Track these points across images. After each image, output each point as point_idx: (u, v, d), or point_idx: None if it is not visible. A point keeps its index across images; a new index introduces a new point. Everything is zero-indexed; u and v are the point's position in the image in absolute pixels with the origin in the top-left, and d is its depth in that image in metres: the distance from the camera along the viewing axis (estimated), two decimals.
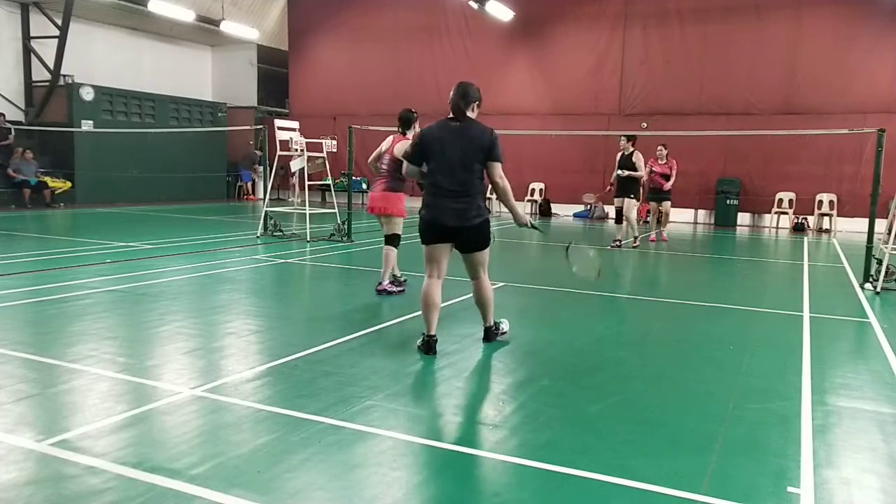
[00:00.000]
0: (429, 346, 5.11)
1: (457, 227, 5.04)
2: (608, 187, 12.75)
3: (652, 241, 12.47)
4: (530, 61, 19.97)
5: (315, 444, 3.46)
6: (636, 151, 11.94)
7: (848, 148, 16.51)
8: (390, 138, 7.40)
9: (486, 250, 5.23)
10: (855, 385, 4.70)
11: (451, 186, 4.98)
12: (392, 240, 7.47)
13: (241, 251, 10.50)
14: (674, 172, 13.13)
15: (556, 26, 19.57)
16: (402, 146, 7.11)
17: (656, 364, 5.14)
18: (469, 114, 5.02)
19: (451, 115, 5.04)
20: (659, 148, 13.06)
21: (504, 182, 5.06)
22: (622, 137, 12.11)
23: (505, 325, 5.62)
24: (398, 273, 7.69)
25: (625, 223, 12.36)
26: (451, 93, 5.02)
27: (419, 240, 5.24)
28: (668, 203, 13.38)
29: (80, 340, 5.32)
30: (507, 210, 5.31)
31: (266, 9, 23.11)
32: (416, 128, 7.30)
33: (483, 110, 5.23)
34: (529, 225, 5.33)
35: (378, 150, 7.49)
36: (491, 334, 5.49)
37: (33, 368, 4.60)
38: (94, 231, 13.19)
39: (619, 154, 12.16)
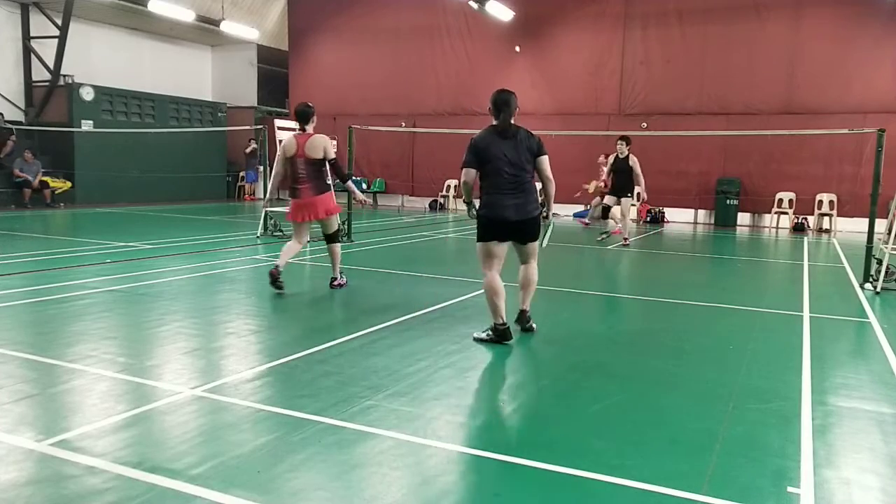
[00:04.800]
0: (505, 334, 5.34)
1: (519, 220, 5.34)
2: (602, 181, 12.92)
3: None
4: (530, 61, 19.96)
5: (315, 444, 3.46)
6: (632, 155, 12.18)
7: (848, 148, 16.50)
8: (288, 138, 7.17)
9: (538, 241, 5.64)
10: (855, 385, 4.70)
11: (509, 184, 5.28)
12: (334, 237, 7.51)
13: (241, 251, 10.50)
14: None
15: (557, 26, 19.57)
16: (315, 143, 6.97)
17: (656, 364, 5.14)
18: (512, 120, 5.39)
19: (495, 124, 5.35)
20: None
21: (552, 178, 5.53)
22: (619, 141, 12.27)
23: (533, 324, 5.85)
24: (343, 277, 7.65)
25: (618, 220, 12.66)
26: (495, 102, 5.34)
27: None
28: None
29: (80, 340, 5.32)
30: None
31: (266, 9, 23.11)
32: (314, 121, 7.21)
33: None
34: (550, 225, 5.81)
35: (279, 154, 7.27)
36: (525, 318, 5.74)
37: (33, 368, 4.60)
38: (94, 231, 13.19)
39: (614, 156, 12.33)
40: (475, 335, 5.50)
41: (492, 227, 5.38)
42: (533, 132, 5.50)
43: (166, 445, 3.43)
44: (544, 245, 6.03)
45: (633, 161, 12.15)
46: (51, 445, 3.36)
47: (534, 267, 5.68)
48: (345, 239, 11.68)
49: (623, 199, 12.34)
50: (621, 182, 12.27)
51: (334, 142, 12.65)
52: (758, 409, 4.15)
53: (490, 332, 5.41)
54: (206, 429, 3.67)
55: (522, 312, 5.77)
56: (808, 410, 4.12)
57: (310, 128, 7.14)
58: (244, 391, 4.26)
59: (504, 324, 5.36)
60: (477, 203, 5.54)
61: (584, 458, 3.39)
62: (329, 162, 7.13)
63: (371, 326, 5.84)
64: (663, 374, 4.90)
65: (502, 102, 5.35)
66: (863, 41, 16.50)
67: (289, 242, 7.53)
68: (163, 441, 3.50)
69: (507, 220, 5.31)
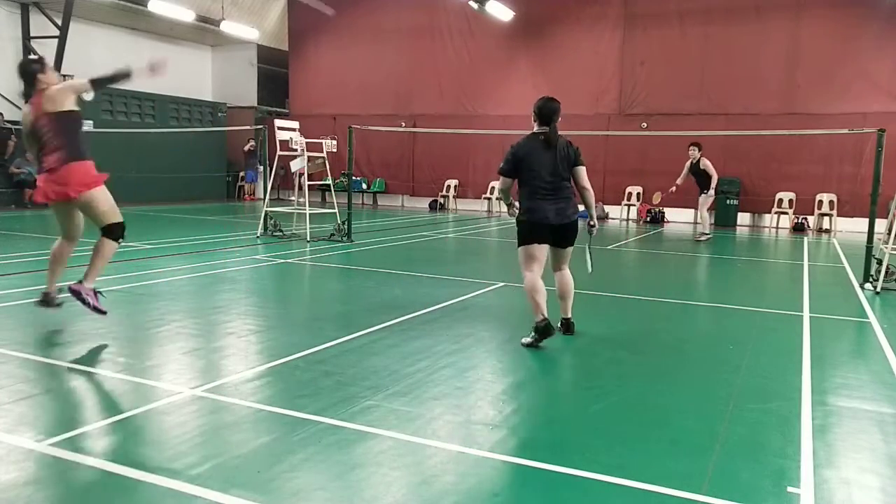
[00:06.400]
0: (547, 329, 5.34)
1: (559, 224, 5.45)
2: (673, 188, 13.86)
3: None
4: (531, 62, 19.96)
5: (315, 444, 3.46)
6: (703, 158, 13.27)
7: (848, 148, 16.51)
8: (24, 110, 5.45)
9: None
10: (855, 385, 4.70)
11: (547, 191, 5.42)
12: (112, 230, 5.45)
13: (241, 251, 10.50)
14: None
15: (558, 27, 19.57)
16: (54, 93, 5.28)
17: (656, 364, 5.14)
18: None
19: (537, 132, 5.51)
20: None
21: (590, 187, 5.63)
22: (690, 147, 13.40)
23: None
24: (54, 290, 5.65)
25: (700, 216, 13.91)
26: (541, 110, 5.53)
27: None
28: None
29: (80, 340, 5.32)
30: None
31: (266, 9, 23.11)
32: (47, 77, 5.42)
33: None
34: (595, 231, 5.84)
35: (24, 132, 5.51)
36: (572, 326, 5.78)
37: (33, 368, 4.60)
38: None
39: (689, 162, 13.44)
40: (523, 341, 5.45)
41: (534, 231, 5.49)
42: (528, 132, 5.58)
43: (166, 445, 3.43)
44: (591, 271, 6.08)
45: (706, 164, 13.28)
46: (51, 445, 3.36)
47: (568, 273, 5.77)
48: (344, 239, 11.69)
49: (700, 197, 13.65)
50: (699, 183, 13.56)
51: (334, 141, 12.77)
52: (758, 409, 4.15)
53: (533, 333, 5.39)
54: (206, 429, 3.67)
55: (567, 321, 5.80)
56: (808, 410, 4.12)
57: (40, 86, 5.37)
58: (244, 391, 4.26)
59: (545, 319, 5.34)
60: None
61: (585, 458, 3.38)
62: (91, 83, 5.38)
63: (371, 326, 5.84)
64: (664, 374, 4.90)
65: (551, 111, 5.51)
66: (863, 41, 16.50)
67: (54, 246, 5.59)
68: (163, 441, 3.50)
69: (549, 223, 5.42)
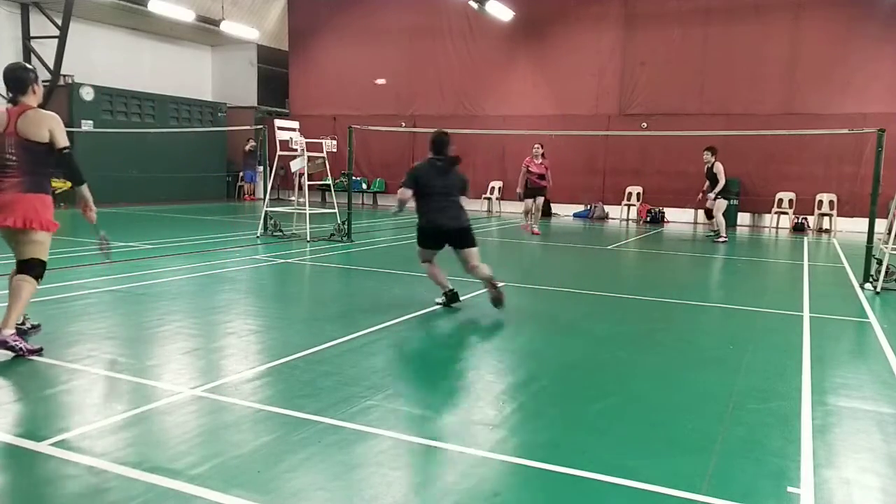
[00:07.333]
0: (453, 297, 6.68)
1: (453, 227, 6.51)
2: (700, 195, 14.34)
3: (536, 233, 13.65)
4: (531, 62, 19.97)
5: (315, 444, 3.46)
6: (717, 163, 13.43)
7: (848, 148, 16.52)
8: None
9: (476, 248, 6.62)
10: (855, 385, 4.70)
11: (441, 204, 6.52)
12: (32, 267, 4.90)
13: (241, 251, 10.50)
14: (548, 172, 14.17)
15: (558, 27, 19.57)
16: (35, 119, 4.87)
17: (656, 364, 5.14)
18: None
19: (436, 156, 6.65)
20: (535, 146, 14.16)
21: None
22: (705, 151, 13.61)
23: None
24: (27, 322, 5.26)
25: (715, 219, 14.04)
26: (435, 142, 6.73)
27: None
28: (542, 199, 14.49)
29: (80, 340, 5.32)
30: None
31: (266, 9, 23.11)
32: (37, 91, 5.00)
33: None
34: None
35: None
36: (496, 292, 6.53)
37: (33, 368, 4.60)
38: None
39: (705, 166, 13.69)
40: (436, 300, 6.71)
41: (430, 236, 6.56)
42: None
43: (166, 445, 3.43)
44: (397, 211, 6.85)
45: (717, 168, 13.42)
46: (51, 445, 3.36)
47: (477, 267, 6.51)
48: (344, 239, 11.68)
49: (716, 201, 13.71)
50: (713, 187, 13.72)
51: (334, 141, 12.79)
52: (758, 409, 4.16)
53: (443, 297, 6.68)
54: (206, 429, 3.67)
55: (491, 283, 6.51)
56: (808, 410, 4.12)
57: (28, 99, 4.95)
58: (244, 391, 4.26)
59: (450, 290, 6.68)
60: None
61: (584, 458, 3.39)
62: (59, 151, 4.94)
63: (371, 326, 5.84)
64: (663, 374, 4.90)
65: (441, 143, 6.67)
66: (862, 42, 16.50)
67: (13, 271, 5.04)
68: (163, 441, 3.50)
69: (444, 227, 6.47)
